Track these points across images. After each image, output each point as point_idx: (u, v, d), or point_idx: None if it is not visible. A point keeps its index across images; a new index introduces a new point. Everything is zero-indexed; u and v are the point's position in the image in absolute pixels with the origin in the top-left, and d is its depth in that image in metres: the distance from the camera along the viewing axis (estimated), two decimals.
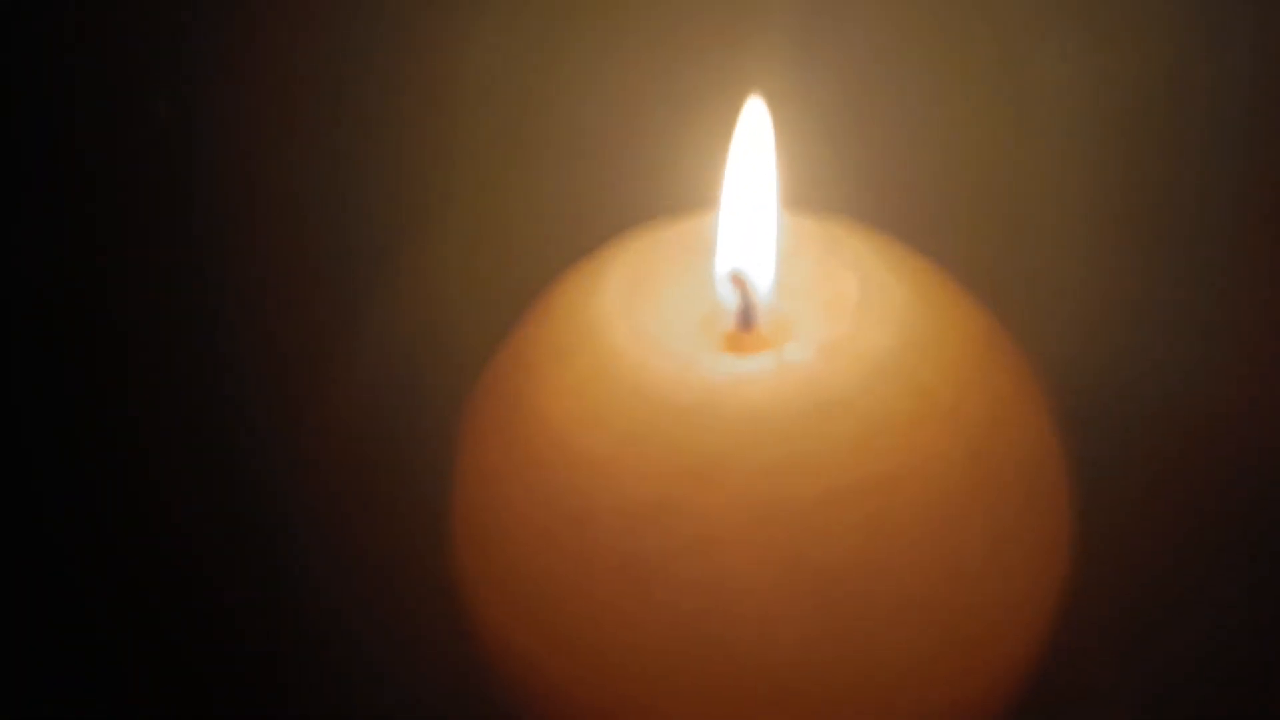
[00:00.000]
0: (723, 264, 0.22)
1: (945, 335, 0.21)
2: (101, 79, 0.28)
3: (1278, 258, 0.26)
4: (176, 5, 0.27)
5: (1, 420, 0.28)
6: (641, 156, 0.27)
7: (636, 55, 0.27)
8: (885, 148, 0.26)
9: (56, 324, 0.29)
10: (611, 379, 0.21)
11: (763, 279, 0.22)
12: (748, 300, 0.22)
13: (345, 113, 0.28)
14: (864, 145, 0.25)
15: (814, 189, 0.23)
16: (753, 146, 0.22)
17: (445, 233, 0.28)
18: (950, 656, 0.21)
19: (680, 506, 0.20)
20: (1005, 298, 0.22)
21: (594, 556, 0.20)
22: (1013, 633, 0.22)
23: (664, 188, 0.25)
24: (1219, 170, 0.25)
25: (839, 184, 0.23)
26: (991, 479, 0.21)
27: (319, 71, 0.28)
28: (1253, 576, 0.24)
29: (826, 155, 0.23)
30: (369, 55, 0.27)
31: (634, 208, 0.24)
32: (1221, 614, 0.24)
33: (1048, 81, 0.25)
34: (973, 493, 0.20)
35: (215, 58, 0.28)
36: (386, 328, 0.28)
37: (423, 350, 0.28)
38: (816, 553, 0.20)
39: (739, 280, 0.22)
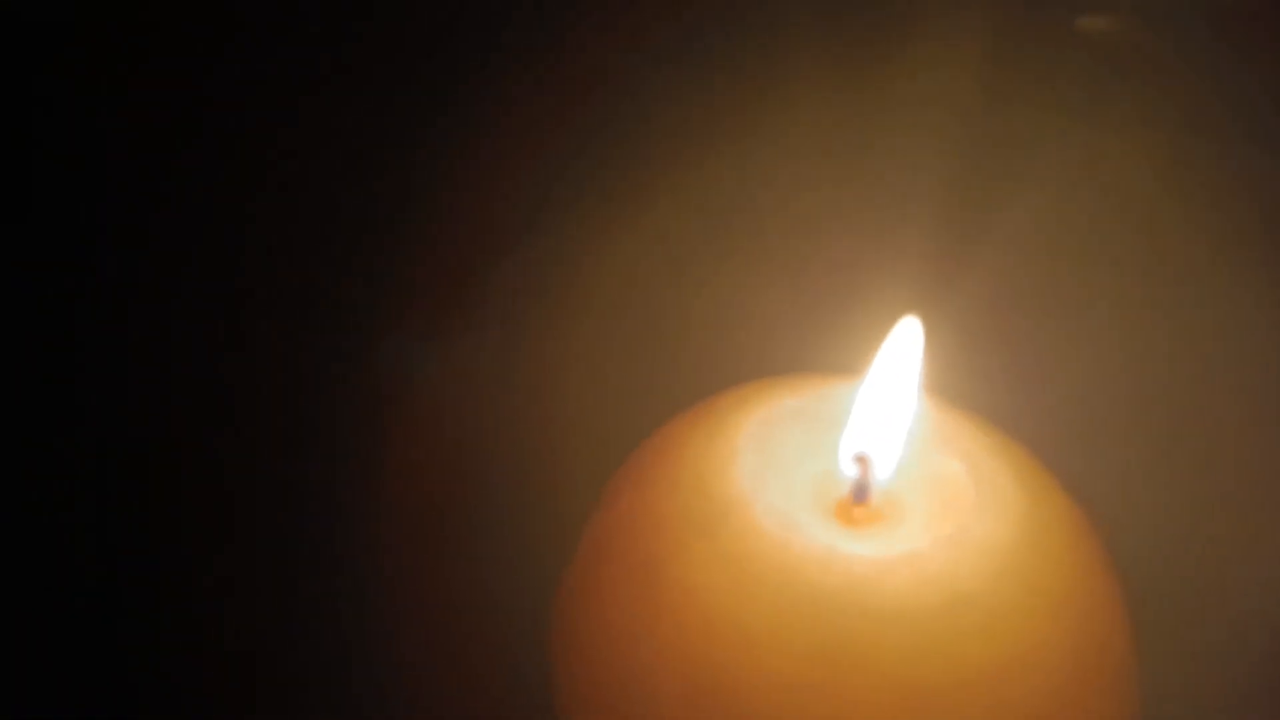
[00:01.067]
0: (851, 440, 0.24)
1: (1050, 532, 0.23)
2: None
3: None
4: None
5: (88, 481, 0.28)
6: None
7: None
8: (1029, 352, 0.27)
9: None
10: (757, 557, 0.22)
11: (886, 461, 0.24)
12: (867, 479, 0.24)
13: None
14: (1008, 347, 0.27)
15: (952, 380, 0.24)
16: (904, 341, 0.24)
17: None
18: None
19: (823, 686, 0.21)
20: (1101, 501, 0.24)
21: None
22: None
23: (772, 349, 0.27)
24: None
25: (976, 380, 0.25)
26: (1092, 670, 0.23)
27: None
28: None
29: (971, 351, 0.24)
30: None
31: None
32: None
33: (1208, 311, 0.26)
34: (1081, 682, 0.23)
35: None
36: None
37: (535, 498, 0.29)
38: None
39: (864, 460, 0.24)
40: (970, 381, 0.25)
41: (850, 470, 0.24)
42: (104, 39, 0.29)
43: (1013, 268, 0.27)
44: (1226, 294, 0.27)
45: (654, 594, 0.23)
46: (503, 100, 0.29)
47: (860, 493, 0.24)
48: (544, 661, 0.26)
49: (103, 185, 0.30)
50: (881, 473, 0.24)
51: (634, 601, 0.23)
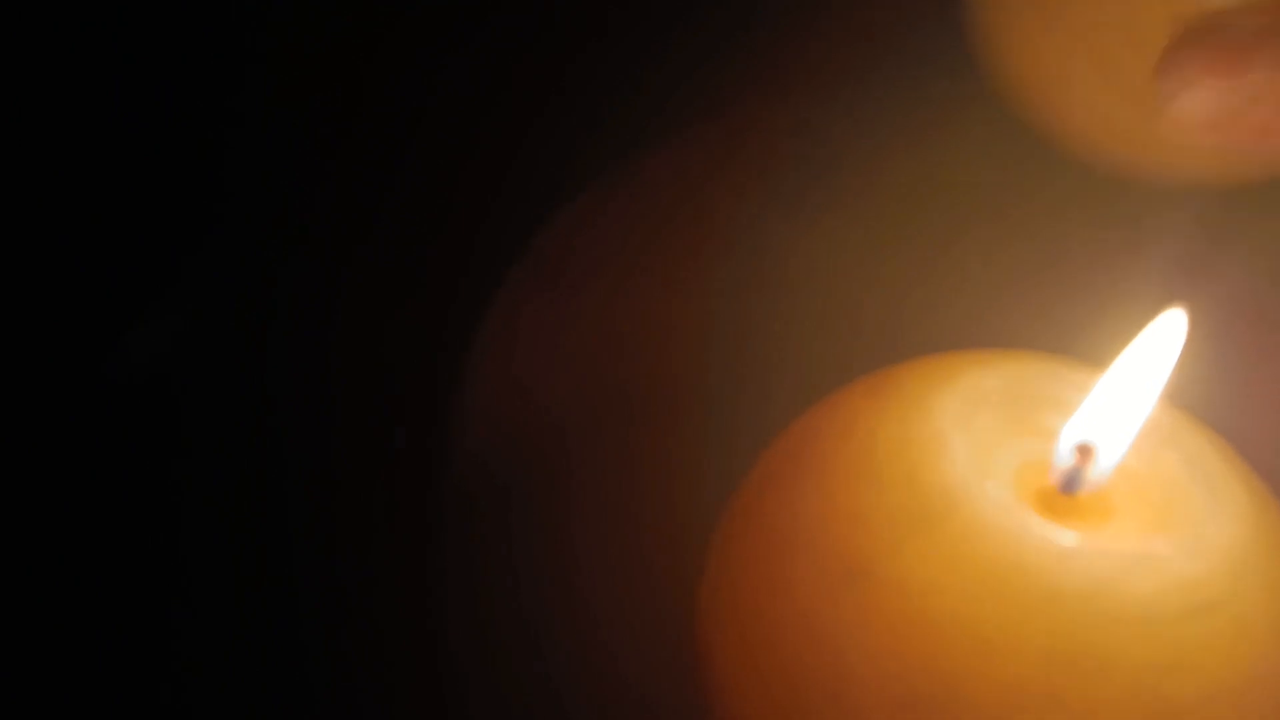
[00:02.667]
0: (1076, 428, 0.22)
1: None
2: None
3: None
4: None
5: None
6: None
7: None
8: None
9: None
10: (986, 555, 0.21)
11: (1109, 455, 0.22)
12: (1084, 471, 0.22)
13: None
14: (1253, 359, 0.26)
15: (1197, 385, 0.23)
16: (1161, 333, 0.22)
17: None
18: None
19: (1063, 696, 0.20)
20: None
21: None
22: None
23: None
24: None
25: (1223, 388, 0.24)
26: None
27: None
28: None
29: (1222, 359, 0.23)
30: None
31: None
32: None
33: None
34: None
35: None
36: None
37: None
38: None
39: (1088, 450, 0.22)
40: (1205, 388, 0.23)
41: (1067, 458, 0.22)
42: None
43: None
44: None
45: (861, 595, 0.21)
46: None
47: (1070, 484, 0.22)
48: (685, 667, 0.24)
49: None
50: (1101, 466, 0.22)
51: (831, 602, 0.22)
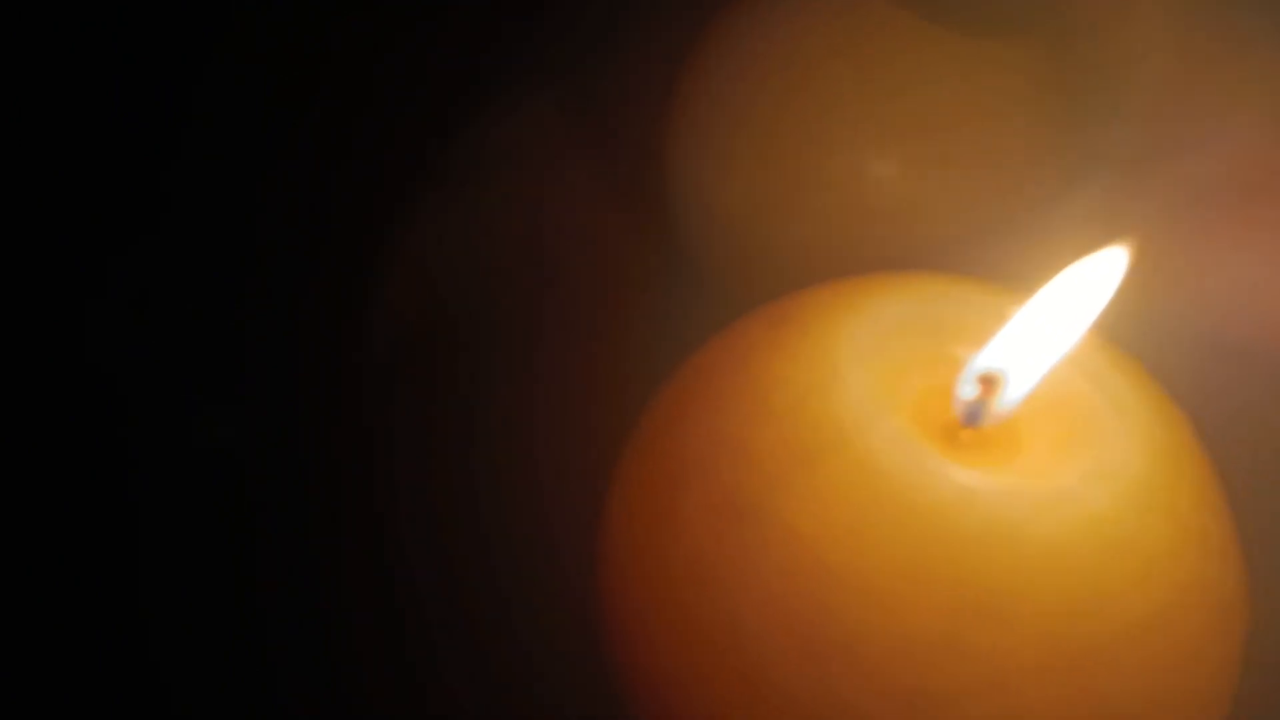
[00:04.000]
0: (984, 359, 0.21)
1: (1188, 465, 0.21)
2: None
3: None
4: None
5: None
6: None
7: None
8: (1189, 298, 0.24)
9: None
10: (877, 496, 0.19)
11: (1017, 388, 0.21)
12: (986, 403, 0.21)
13: None
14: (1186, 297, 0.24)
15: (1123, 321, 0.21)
16: (1098, 268, 0.21)
17: None
18: None
19: (968, 644, 0.19)
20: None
21: (871, 690, 0.19)
22: None
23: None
24: None
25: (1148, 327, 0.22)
26: (1238, 603, 0.21)
27: None
28: None
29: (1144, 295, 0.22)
30: None
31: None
32: None
33: None
34: (1234, 618, 0.20)
35: None
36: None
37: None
38: (1115, 692, 0.19)
39: (991, 381, 0.21)
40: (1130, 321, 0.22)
41: (969, 390, 0.21)
42: None
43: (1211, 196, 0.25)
44: None
45: (748, 536, 0.20)
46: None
47: (972, 417, 0.21)
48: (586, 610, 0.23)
49: None
50: (1008, 398, 0.21)
51: (719, 542, 0.20)
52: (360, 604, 0.24)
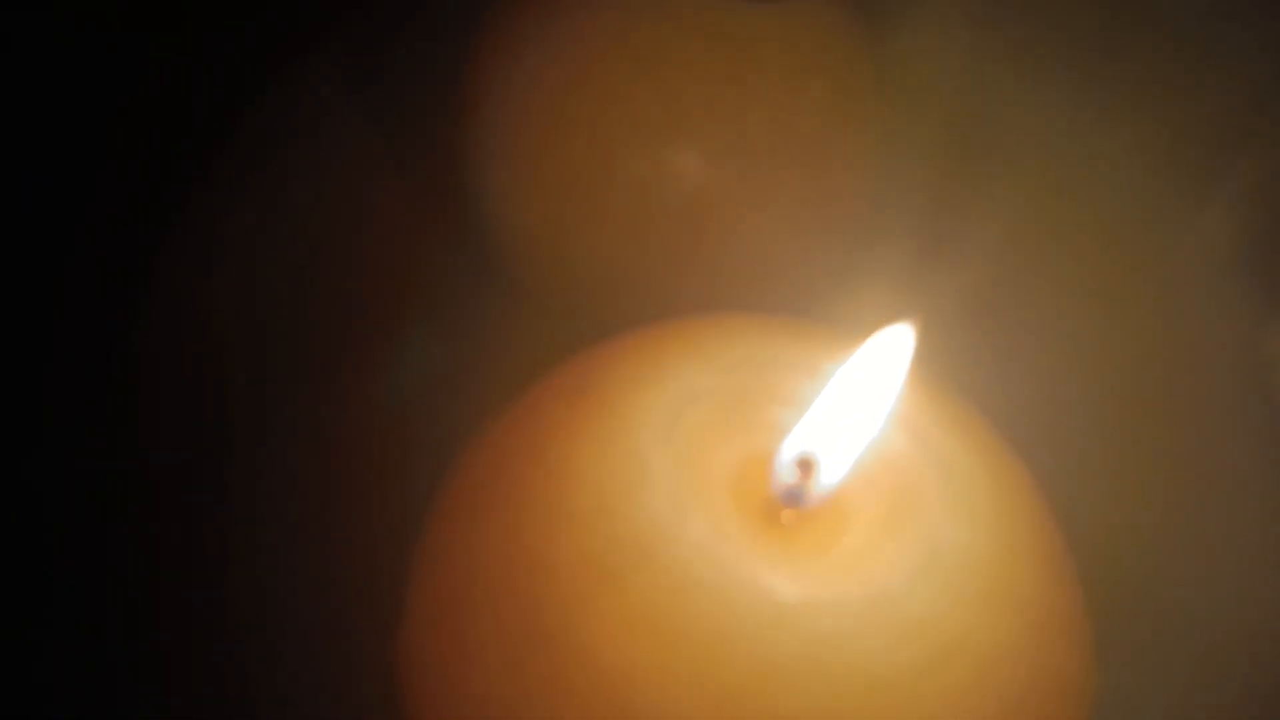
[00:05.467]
0: (797, 442, 0.19)
1: (1024, 539, 0.19)
2: None
3: None
4: None
5: None
6: None
7: None
8: (1017, 340, 0.23)
9: None
10: (687, 619, 0.17)
11: (836, 467, 0.19)
12: (806, 486, 0.19)
13: None
14: (996, 333, 0.22)
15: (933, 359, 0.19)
16: (892, 344, 0.19)
17: None
18: None
19: None
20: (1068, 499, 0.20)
21: None
22: None
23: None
24: None
25: (956, 361, 0.20)
26: (1082, 684, 0.19)
27: None
28: None
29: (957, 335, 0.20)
30: None
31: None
32: None
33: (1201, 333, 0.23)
34: (1079, 699, 0.19)
35: None
36: None
37: None
38: None
39: (808, 465, 0.19)
40: (956, 363, 0.20)
41: (788, 475, 0.19)
42: None
43: (1004, 253, 0.23)
44: (1213, 293, 0.23)
45: (547, 667, 0.18)
46: None
47: (792, 499, 0.19)
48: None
49: None
50: (827, 480, 0.19)
51: (516, 676, 0.18)
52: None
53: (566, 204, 0.26)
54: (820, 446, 0.19)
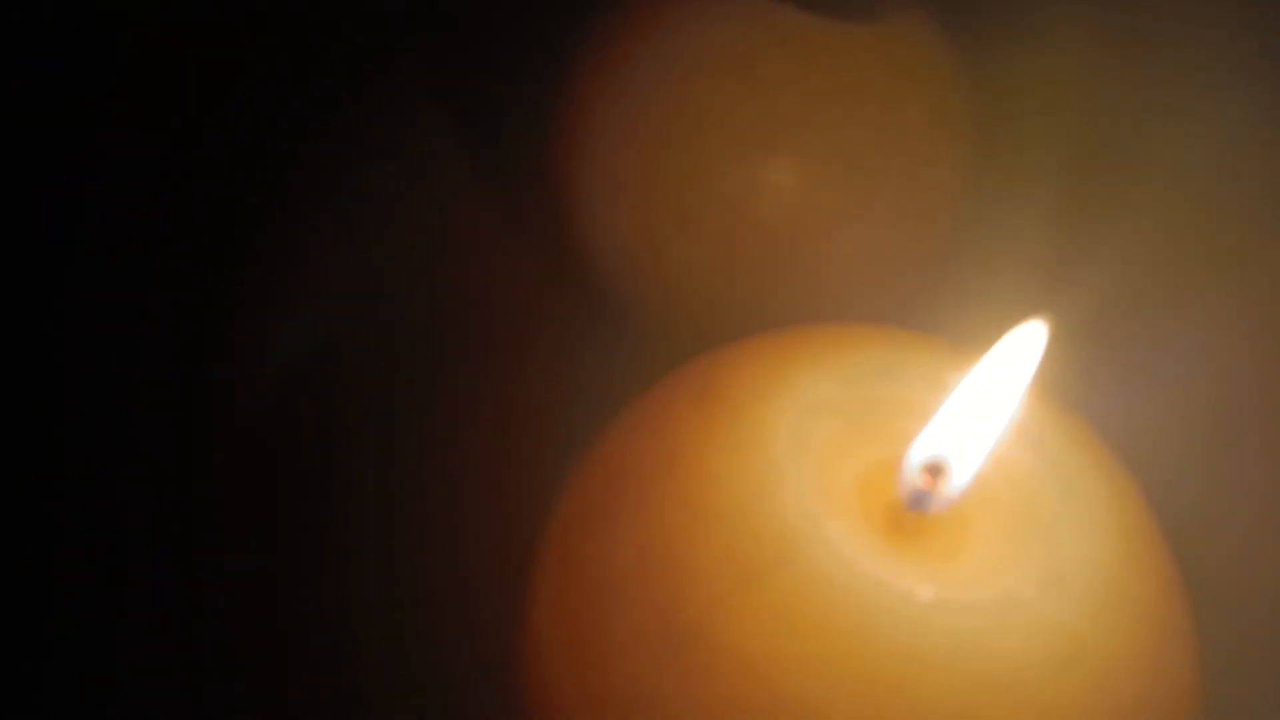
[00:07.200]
0: (926, 444, 0.19)
1: (1144, 556, 0.20)
2: None
3: None
4: None
5: None
6: None
7: None
8: (1145, 356, 0.23)
9: None
10: (827, 616, 0.18)
11: (963, 473, 0.19)
12: (933, 491, 0.19)
13: None
14: (1123, 347, 0.23)
15: (1057, 376, 0.20)
16: (1021, 344, 0.19)
17: None
18: None
19: None
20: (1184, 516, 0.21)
21: None
22: None
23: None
24: None
25: (1082, 378, 0.21)
26: (1195, 685, 0.20)
27: None
28: None
29: (1083, 348, 0.20)
30: None
31: None
32: None
33: None
34: (1191, 700, 0.19)
35: None
36: None
37: None
38: None
39: (937, 469, 0.19)
40: (1077, 379, 0.20)
41: (915, 478, 0.19)
42: None
43: (1126, 271, 0.23)
44: None
45: (690, 663, 0.18)
46: None
47: (919, 503, 0.20)
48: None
49: None
50: (954, 485, 0.19)
51: (658, 672, 0.18)
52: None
53: (664, 220, 0.26)
54: (947, 453, 0.19)
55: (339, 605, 0.22)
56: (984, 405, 0.19)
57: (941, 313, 0.23)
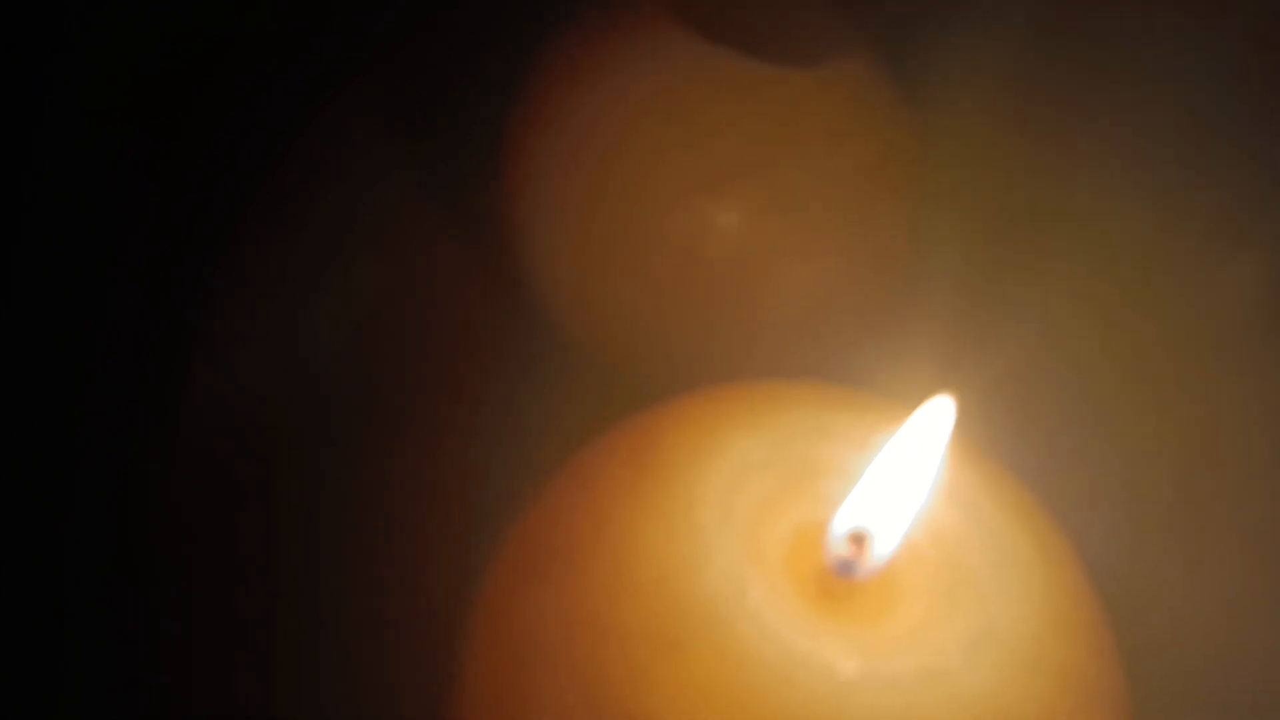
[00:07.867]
0: (849, 514, 0.19)
1: (1072, 616, 0.20)
2: None
3: None
4: None
5: None
6: None
7: None
8: (1062, 415, 0.23)
9: None
10: (747, 691, 0.17)
11: (885, 544, 0.19)
12: (859, 559, 0.19)
13: None
14: (1040, 410, 0.23)
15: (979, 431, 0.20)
16: (933, 417, 0.19)
17: None
18: None
19: None
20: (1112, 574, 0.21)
21: None
22: None
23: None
24: None
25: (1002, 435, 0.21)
26: None
27: None
28: None
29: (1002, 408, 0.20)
30: None
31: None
32: None
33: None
34: None
35: None
36: None
37: None
38: None
39: (861, 539, 0.19)
40: (1009, 439, 0.20)
41: (841, 547, 0.19)
42: None
43: (1073, 321, 0.23)
44: (1250, 362, 0.23)
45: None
46: None
47: (846, 570, 0.20)
48: None
49: None
50: (879, 553, 0.19)
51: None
52: None
53: (611, 261, 0.26)
54: (872, 519, 0.19)
55: (258, 669, 0.22)
56: (909, 468, 0.19)
57: (875, 364, 0.23)
